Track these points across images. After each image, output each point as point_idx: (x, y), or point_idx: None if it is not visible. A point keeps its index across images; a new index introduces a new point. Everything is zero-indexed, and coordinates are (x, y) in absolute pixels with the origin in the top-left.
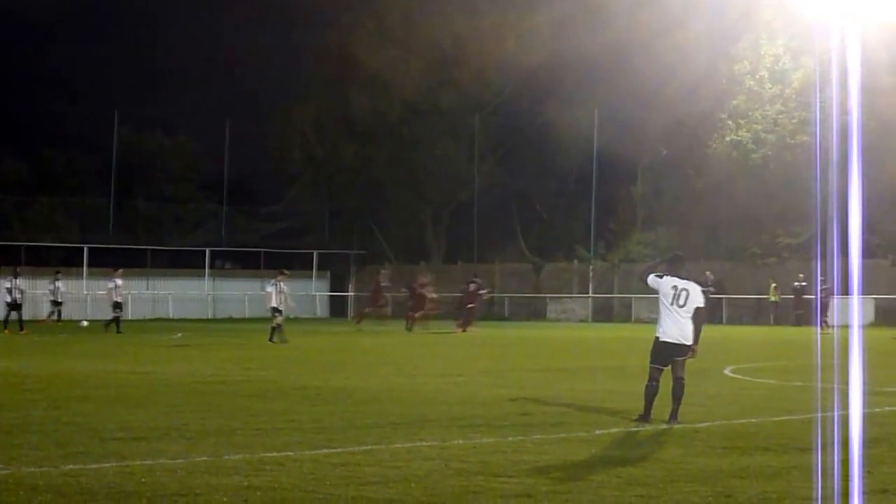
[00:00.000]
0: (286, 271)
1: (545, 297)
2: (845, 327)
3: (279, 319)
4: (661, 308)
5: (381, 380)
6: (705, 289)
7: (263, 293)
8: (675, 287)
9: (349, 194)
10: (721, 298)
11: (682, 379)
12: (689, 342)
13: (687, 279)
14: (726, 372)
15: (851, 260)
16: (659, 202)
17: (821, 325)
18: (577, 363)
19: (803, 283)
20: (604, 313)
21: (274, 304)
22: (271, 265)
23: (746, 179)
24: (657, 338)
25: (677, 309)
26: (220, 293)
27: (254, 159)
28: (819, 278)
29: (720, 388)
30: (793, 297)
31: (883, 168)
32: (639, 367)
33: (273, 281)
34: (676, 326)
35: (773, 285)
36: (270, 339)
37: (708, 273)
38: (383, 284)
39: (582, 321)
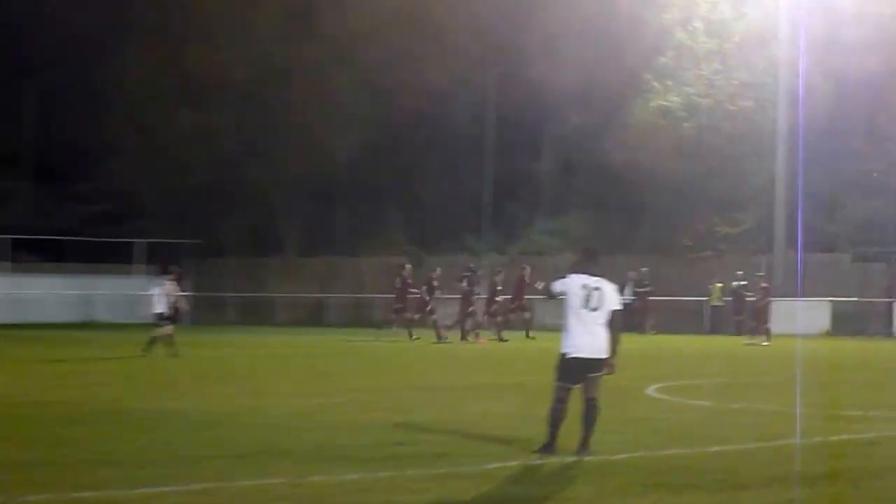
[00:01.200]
0: (176, 267)
1: (427, 299)
2: (794, 337)
3: (166, 329)
4: (569, 314)
5: (223, 401)
6: (641, 289)
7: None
8: (584, 286)
9: (185, 170)
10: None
11: (596, 400)
12: (605, 355)
13: (600, 276)
14: (650, 392)
15: (776, 250)
16: (569, 182)
17: (759, 334)
18: (465, 380)
19: (743, 283)
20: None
21: (160, 310)
22: (86, 257)
23: (676, 154)
24: (564, 354)
25: (589, 313)
26: (21, 292)
27: (65, 127)
28: (755, 276)
29: (642, 411)
30: (731, 299)
31: (846, 141)
32: (542, 384)
33: (162, 281)
34: (589, 336)
35: (719, 285)
36: (147, 350)
37: (643, 269)
38: (409, 282)
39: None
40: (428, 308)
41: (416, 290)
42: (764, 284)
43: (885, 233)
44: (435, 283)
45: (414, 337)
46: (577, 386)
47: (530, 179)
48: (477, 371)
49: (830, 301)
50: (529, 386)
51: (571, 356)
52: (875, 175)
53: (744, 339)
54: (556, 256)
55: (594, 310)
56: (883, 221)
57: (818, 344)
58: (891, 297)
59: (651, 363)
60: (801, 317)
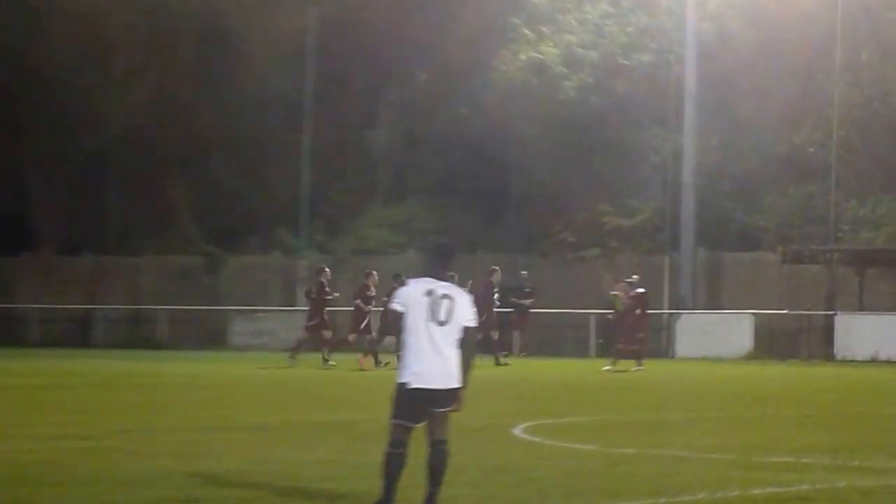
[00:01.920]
0: None
1: (227, 312)
2: (707, 361)
3: None
4: (410, 331)
5: None
6: (519, 300)
7: None
8: (430, 292)
9: None
10: (507, 313)
11: (446, 444)
12: (456, 384)
13: (451, 282)
14: (518, 432)
15: (684, 248)
16: (414, 159)
17: (629, 357)
18: (276, 417)
19: (641, 290)
20: None
21: None
22: None
23: (553, 122)
24: (402, 383)
25: (436, 329)
26: None
27: None
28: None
29: (508, 457)
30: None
31: (774, 106)
32: (376, 423)
33: None
34: (437, 358)
35: (633, 292)
36: None
37: (523, 273)
38: (327, 291)
39: (287, 350)
40: (363, 325)
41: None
42: (640, 290)
43: (823, 225)
44: (370, 293)
45: (330, 363)
46: (419, 425)
47: (362, 156)
48: (298, 405)
49: (753, 314)
50: (363, 424)
51: (412, 386)
52: (811, 151)
53: (614, 365)
54: (396, 256)
55: (442, 324)
56: (821, 211)
57: (738, 369)
58: (831, 310)
59: (520, 395)
60: (715, 334)
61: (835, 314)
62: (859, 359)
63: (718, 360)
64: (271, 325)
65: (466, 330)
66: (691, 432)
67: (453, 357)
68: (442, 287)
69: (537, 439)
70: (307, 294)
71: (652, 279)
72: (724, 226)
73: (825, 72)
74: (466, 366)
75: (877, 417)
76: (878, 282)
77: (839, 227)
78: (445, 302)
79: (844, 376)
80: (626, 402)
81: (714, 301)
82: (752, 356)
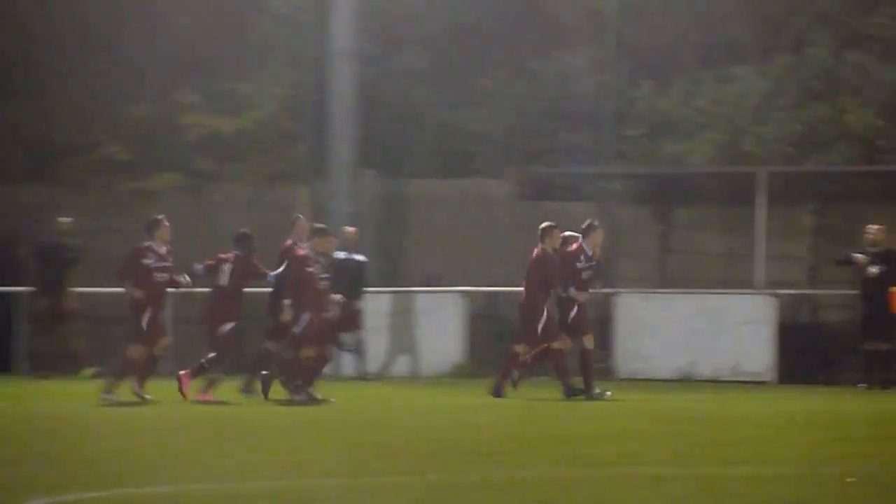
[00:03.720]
0: None
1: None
2: (378, 382)
3: None
4: None
5: None
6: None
7: None
8: None
9: None
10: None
11: None
12: None
13: None
14: None
15: (335, 173)
16: None
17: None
18: None
19: (354, 257)
20: None
21: None
22: None
23: None
24: None
25: None
26: None
27: None
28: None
29: None
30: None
31: None
32: None
33: None
34: None
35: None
36: None
37: (64, 220)
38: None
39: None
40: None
41: None
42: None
43: (592, 129)
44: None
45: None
46: None
47: None
48: None
49: (464, 294)
50: None
51: None
52: None
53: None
54: None
55: None
56: (587, 101)
57: (435, 397)
58: (609, 286)
59: (39, 447)
60: (396, 331)
61: (615, 293)
62: (660, 376)
63: (401, 379)
64: None
65: None
66: None
67: None
68: None
69: None
70: None
71: (276, 230)
72: (409, 132)
73: None
74: None
75: (701, 483)
76: (697, 233)
77: (624, 132)
78: None
79: (638, 411)
80: (237, 459)
81: (391, 268)
82: (464, 370)
